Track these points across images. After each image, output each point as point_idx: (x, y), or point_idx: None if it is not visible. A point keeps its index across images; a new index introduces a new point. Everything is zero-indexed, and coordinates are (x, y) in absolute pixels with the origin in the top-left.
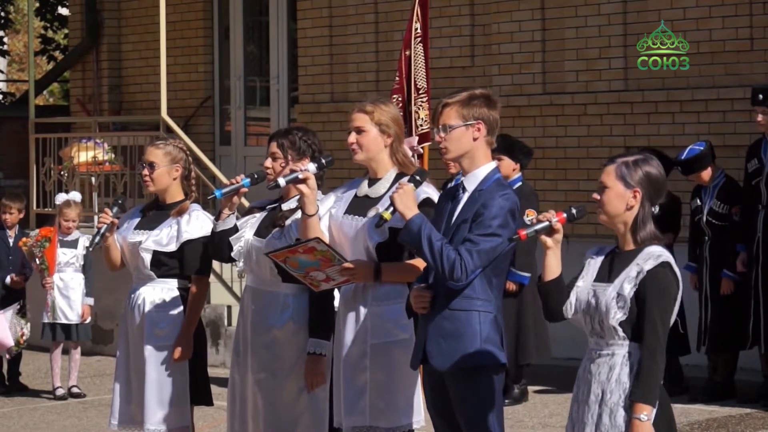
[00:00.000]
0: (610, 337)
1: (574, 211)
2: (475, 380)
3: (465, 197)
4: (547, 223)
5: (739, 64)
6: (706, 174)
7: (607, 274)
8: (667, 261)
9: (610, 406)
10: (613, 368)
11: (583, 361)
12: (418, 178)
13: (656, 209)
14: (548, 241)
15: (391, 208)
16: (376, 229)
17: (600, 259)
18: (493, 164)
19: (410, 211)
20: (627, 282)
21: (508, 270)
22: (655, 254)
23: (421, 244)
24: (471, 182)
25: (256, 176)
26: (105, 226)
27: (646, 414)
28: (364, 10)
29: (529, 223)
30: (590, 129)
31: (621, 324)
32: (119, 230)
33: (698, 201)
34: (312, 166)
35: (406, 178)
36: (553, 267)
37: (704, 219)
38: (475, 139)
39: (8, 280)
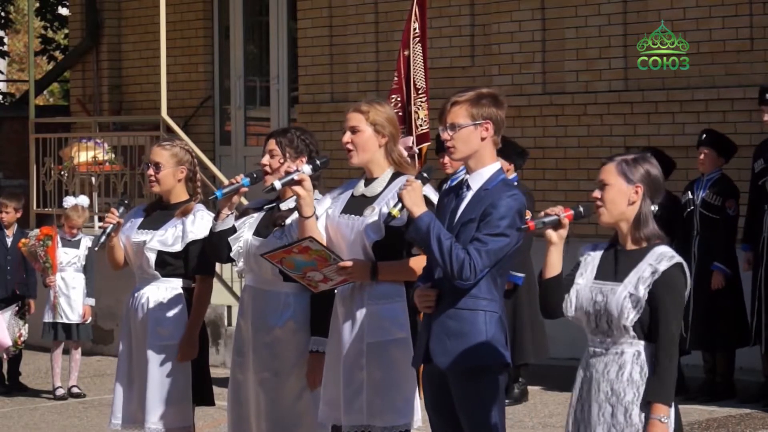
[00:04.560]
0: (619, 336)
1: (581, 208)
2: (479, 380)
3: (469, 195)
4: (555, 216)
5: (739, 64)
6: (708, 158)
7: (612, 273)
8: (680, 262)
9: (624, 405)
10: (623, 366)
11: (583, 359)
12: (425, 175)
13: (656, 208)
14: (554, 236)
15: (400, 205)
16: (381, 225)
17: (598, 255)
18: (498, 164)
19: (419, 208)
20: (641, 282)
21: (509, 270)
22: (668, 255)
23: (429, 242)
24: (476, 181)
25: (255, 175)
26: (111, 225)
27: (665, 415)
28: (364, 10)
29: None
30: (590, 129)
31: (633, 323)
32: (122, 229)
33: (689, 194)
34: (307, 168)
35: (405, 176)
36: (555, 263)
37: (697, 212)
38: (482, 139)
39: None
